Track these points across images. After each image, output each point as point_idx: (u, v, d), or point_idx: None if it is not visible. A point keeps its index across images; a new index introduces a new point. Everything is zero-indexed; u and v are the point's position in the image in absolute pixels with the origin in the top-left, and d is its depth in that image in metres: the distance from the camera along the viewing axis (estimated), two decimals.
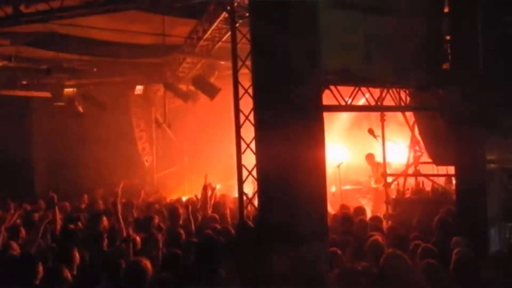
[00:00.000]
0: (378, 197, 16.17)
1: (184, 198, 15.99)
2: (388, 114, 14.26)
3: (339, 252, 8.00)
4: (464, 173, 10.03)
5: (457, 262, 6.81)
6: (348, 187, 18.96)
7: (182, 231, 9.36)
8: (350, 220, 10.12)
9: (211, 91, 17.17)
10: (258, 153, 7.63)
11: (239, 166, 9.64)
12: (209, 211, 11.82)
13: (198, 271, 6.49)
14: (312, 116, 7.32)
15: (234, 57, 10.03)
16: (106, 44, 15.55)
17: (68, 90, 19.48)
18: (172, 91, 19.02)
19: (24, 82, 18.73)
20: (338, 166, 17.83)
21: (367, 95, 9.65)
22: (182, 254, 7.65)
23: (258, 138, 7.69)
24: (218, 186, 15.11)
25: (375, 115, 14.45)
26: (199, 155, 21.86)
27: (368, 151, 17.71)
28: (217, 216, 11.10)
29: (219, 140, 19.05)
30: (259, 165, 7.64)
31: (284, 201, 7.10)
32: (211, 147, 20.96)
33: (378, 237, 8.09)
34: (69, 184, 18.92)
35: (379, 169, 16.33)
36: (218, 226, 9.68)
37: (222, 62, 16.41)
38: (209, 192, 12.38)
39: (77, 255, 7.71)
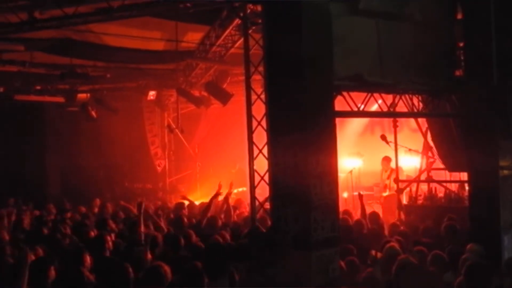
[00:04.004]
0: (388, 204, 16.11)
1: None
2: (401, 120, 14.27)
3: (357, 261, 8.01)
4: (477, 180, 9.99)
5: (469, 269, 6.77)
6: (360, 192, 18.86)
7: (191, 232, 9.38)
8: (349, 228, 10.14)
9: (224, 97, 17.21)
10: (271, 158, 7.64)
11: (251, 171, 9.67)
12: (222, 216, 11.83)
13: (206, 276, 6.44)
14: (324, 121, 7.32)
15: (247, 63, 10.08)
16: (119, 50, 15.62)
17: (82, 95, 19.61)
18: (184, 96, 19.09)
19: (38, 87, 18.87)
20: (351, 172, 17.83)
21: (380, 101, 9.65)
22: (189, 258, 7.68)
23: (270, 143, 7.70)
24: (235, 191, 15.16)
25: (388, 121, 14.46)
26: (211, 160, 21.93)
27: (380, 156, 17.63)
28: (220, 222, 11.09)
29: (231, 145, 19.10)
30: (271, 170, 7.65)
31: (296, 207, 7.10)
32: (223, 152, 21.02)
33: (394, 244, 8.07)
34: (81, 188, 19.03)
35: (392, 175, 16.24)
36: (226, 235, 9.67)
37: (235, 68, 16.44)
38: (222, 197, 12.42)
39: (88, 258, 7.74)
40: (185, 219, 11.22)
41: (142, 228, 9.22)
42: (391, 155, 14.20)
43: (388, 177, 16.84)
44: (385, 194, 16.79)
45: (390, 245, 8.07)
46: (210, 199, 11.82)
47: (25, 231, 11.37)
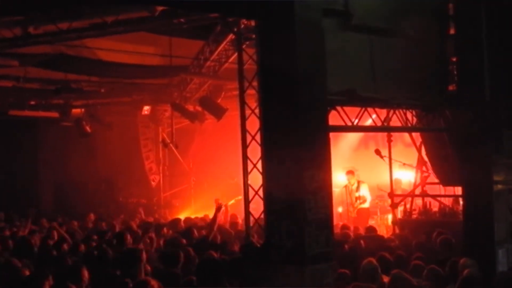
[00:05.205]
0: (361, 216, 16.22)
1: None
2: (395, 135, 14.27)
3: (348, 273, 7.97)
4: (471, 194, 10.02)
5: (463, 283, 6.78)
6: None
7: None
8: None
9: (218, 112, 17.24)
10: (265, 173, 7.65)
11: (246, 186, 9.68)
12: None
13: None
14: (318, 136, 7.34)
15: (241, 78, 10.12)
16: (113, 65, 15.64)
17: (76, 110, 19.59)
18: (179, 111, 19.10)
19: (32, 103, 18.86)
20: (345, 186, 17.82)
21: (374, 115, 9.68)
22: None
23: (264, 158, 7.72)
24: (230, 203, 15.18)
25: (382, 135, 14.48)
26: (205, 175, 21.90)
27: (375, 171, 17.64)
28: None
29: (226, 160, 19.08)
30: (265, 185, 7.66)
31: (290, 222, 7.10)
32: (218, 167, 21.00)
33: (372, 259, 8.03)
34: (75, 203, 18.98)
35: (360, 187, 16.75)
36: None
37: (229, 83, 16.48)
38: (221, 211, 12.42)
39: (86, 273, 7.69)
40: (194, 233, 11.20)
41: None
42: (385, 169, 14.19)
43: (357, 190, 17.03)
44: (363, 206, 16.93)
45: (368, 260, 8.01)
46: (215, 213, 11.84)
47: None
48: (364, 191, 17.23)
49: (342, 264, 8.05)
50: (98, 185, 20.68)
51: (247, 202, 9.68)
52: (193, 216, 16.19)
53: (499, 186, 10.00)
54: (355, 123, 9.09)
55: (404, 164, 15.50)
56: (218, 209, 11.92)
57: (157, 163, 22.99)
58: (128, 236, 10.27)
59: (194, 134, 22.33)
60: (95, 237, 11.73)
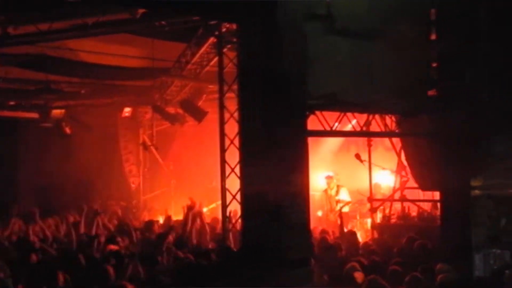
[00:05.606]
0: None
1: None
2: (376, 139, 14.31)
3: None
4: (449, 199, 10.10)
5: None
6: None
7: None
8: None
9: (199, 114, 17.22)
10: (243, 177, 7.64)
11: (223, 190, 9.67)
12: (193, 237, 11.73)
13: None
14: (296, 141, 7.34)
15: (221, 81, 10.12)
16: (95, 66, 15.55)
17: (56, 112, 19.43)
18: (159, 113, 19.01)
19: (12, 103, 18.69)
20: (325, 190, 17.84)
21: (354, 121, 9.69)
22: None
23: (242, 162, 7.71)
24: (205, 209, 15.06)
25: (363, 139, 14.50)
26: (186, 177, 21.78)
27: (355, 174, 17.67)
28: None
29: (207, 163, 19.02)
30: (243, 189, 7.65)
31: (267, 226, 7.09)
32: (198, 170, 20.93)
33: (355, 263, 8.04)
34: (55, 205, 18.79)
35: (339, 191, 16.78)
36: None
37: (210, 86, 16.46)
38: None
39: (61, 277, 7.63)
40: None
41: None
42: (366, 173, 14.22)
43: (337, 194, 17.13)
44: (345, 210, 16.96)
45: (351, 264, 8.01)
46: (186, 213, 11.75)
47: None
48: (344, 195, 17.28)
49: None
50: (77, 187, 20.48)
51: (224, 206, 9.67)
52: (174, 219, 16.09)
53: (477, 192, 10.06)
54: (335, 128, 9.10)
55: (383, 168, 15.57)
56: (189, 208, 11.83)
57: (137, 165, 22.82)
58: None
59: (175, 136, 22.22)
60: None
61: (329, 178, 17.61)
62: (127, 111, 19.81)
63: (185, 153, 22.07)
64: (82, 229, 11.92)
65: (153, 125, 20.63)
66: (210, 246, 10.28)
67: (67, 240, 11.62)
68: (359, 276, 7.75)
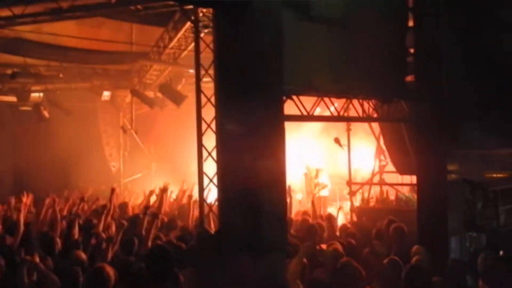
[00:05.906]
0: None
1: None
2: (355, 124, 14.39)
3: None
4: (425, 183, 10.16)
5: (410, 270, 6.87)
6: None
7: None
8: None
9: (178, 99, 17.20)
10: (219, 161, 7.65)
11: (200, 173, 9.69)
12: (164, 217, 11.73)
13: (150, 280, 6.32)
14: (273, 125, 7.34)
15: (197, 66, 10.08)
16: (74, 50, 15.49)
17: (35, 95, 19.32)
18: (138, 97, 18.98)
19: None
20: (305, 174, 17.93)
21: (332, 107, 9.70)
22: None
23: (219, 146, 7.72)
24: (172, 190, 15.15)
25: (343, 124, 14.57)
26: (166, 161, 21.78)
27: (335, 159, 17.77)
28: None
29: (186, 146, 19.00)
30: (220, 173, 7.66)
31: (244, 210, 7.11)
32: (178, 154, 20.90)
33: (337, 246, 8.11)
34: (34, 189, 18.68)
35: (318, 174, 16.87)
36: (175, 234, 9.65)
37: (190, 70, 16.42)
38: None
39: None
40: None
41: None
42: (346, 157, 14.31)
43: (316, 177, 17.38)
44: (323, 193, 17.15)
45: (334, 247, 8.08)
46: (160, 194, 11.83)
47: None
48: (324, 179, 17.39)
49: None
50: (56, 171, 20.38)
51: (201, 189, 9.69)
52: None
53: (453, 176, 10.17)
54: (313, 112, 9.10)
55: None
56: (163, 190, 11.93)
57: (117, 149, 22.79)
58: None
59: (155, 120, 22.18)
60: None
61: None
62: (106, 95, 19.72)
63: (166, 137, 22.03)
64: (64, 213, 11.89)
65: (133, 108, 20.59)
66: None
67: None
68: None
